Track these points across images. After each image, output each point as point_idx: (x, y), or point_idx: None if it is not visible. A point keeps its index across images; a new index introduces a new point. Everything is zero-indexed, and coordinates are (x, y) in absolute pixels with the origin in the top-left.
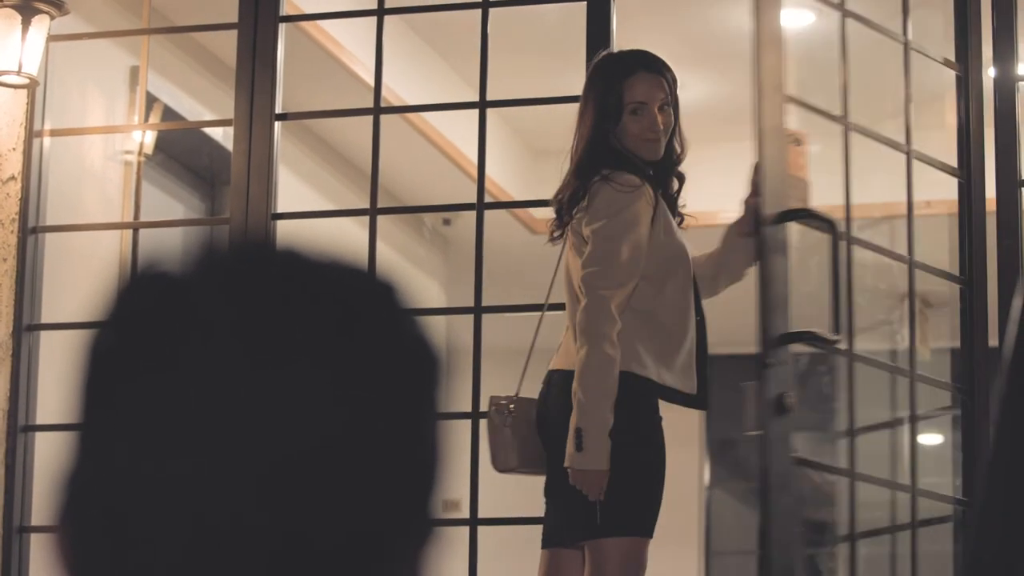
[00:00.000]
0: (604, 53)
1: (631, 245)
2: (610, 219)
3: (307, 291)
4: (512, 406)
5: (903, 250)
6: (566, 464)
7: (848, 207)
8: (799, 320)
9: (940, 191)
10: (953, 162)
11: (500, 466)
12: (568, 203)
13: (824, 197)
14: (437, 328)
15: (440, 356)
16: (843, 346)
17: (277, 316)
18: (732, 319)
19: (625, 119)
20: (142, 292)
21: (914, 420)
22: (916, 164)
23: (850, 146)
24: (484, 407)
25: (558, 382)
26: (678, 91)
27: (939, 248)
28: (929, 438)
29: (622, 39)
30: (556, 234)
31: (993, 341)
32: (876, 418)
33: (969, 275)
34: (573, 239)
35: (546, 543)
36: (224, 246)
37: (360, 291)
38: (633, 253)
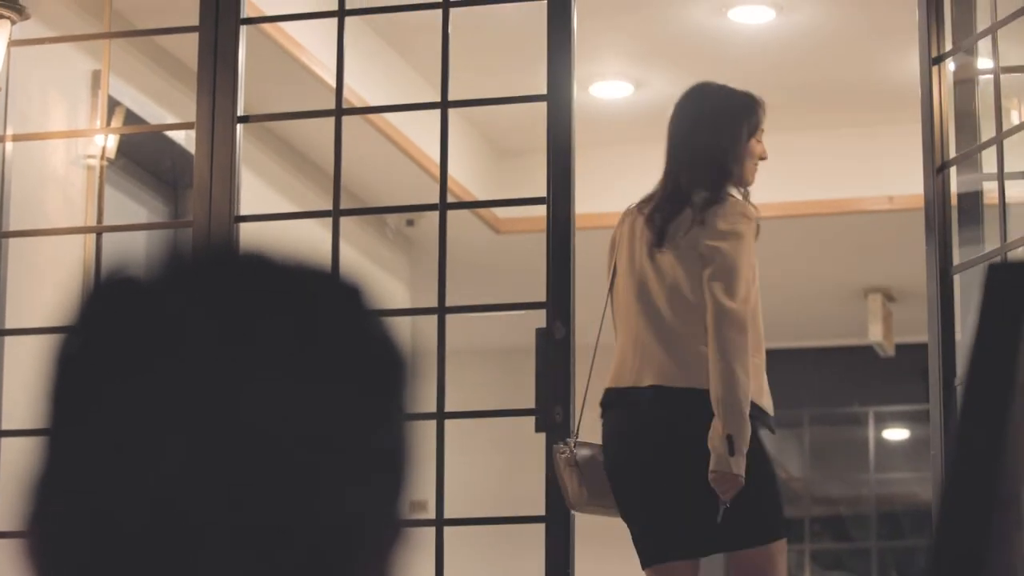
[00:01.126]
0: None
1: (750, 265)
2: (741, 238)
3: (272, 293)
4: (574, 447)
5: (864, 245)
6: (715, 467)
7: None
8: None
9: (904, 187)
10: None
11: (573, 506)
12: (680, 213)
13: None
14: (402, 329)
15: (406, 357)
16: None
17: (243, 319)
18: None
19: (752, 142)
20: (108, 297)
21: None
22: (880, 160)
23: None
24: (449, 407)
25: (678, 399)
26: (638, 91)
27: (905, 242)
28: (894, 432)
29: (583, 38)
30: (658, 243)
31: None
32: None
33: (938, 268)
34: (683, 250)
35: (654, 559)
36: (189, 250)
37: (325, 293)
38: (752, 272)
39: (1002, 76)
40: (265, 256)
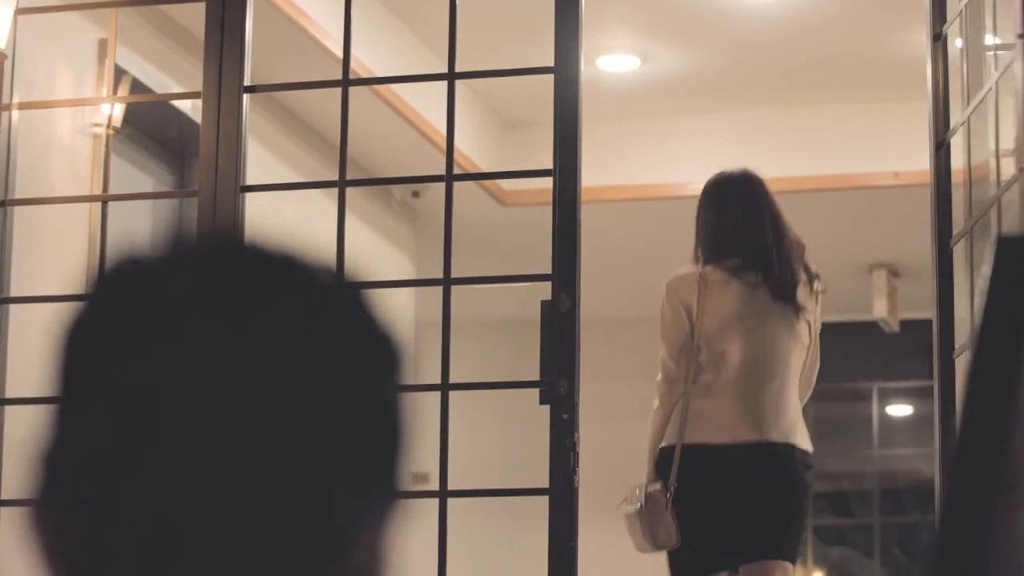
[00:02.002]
0: None
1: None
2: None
3: (272, 280)
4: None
5: (869, 220)
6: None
7: None
8: None
9: (910, 163)
10: (925, 132)
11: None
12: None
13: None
14: (406, 300)
15: (399, 339)
16: None
17: (245, 299)
18: None
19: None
20: (117, 278)
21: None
22: (886, 136)
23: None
24: (454, 379)
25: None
26: (645, 64)
27: (911, 218)
28: (898, 409)
29: (590, 11)
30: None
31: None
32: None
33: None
34: (801, 312)
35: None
36: (193, 232)
37: (321, 280)
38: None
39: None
40: (266, 242)
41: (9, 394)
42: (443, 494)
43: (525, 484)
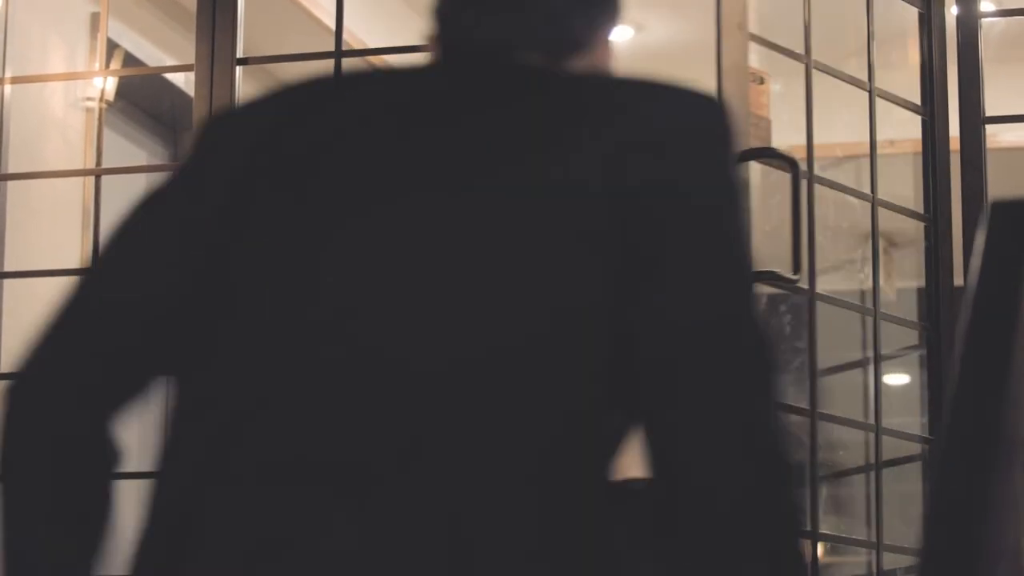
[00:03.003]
0: None
1: None
2: None
3: None
4: None
5: (868, 189)
6: None
7: (810, 146)
8: (760, 260)
9: (904, 130)
10: (917, 100)
11: None
12: None
13: (786, 136)
14: None
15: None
16: (804, 285)
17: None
18: None
19: None
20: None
21: (878, 359)
22: (879, 102)
23: (812, 84)
24: None
25: None
26: (639, 34)
27: (904, 187)
28: (896, 378)
29: None
30: None
31: (959, 280)
32: (844, 358)
33: (934, 213)
34: None
35: None
36: None
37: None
38: None
39: (1004, 20)
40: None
41: (5, 370)
42: None
43: None
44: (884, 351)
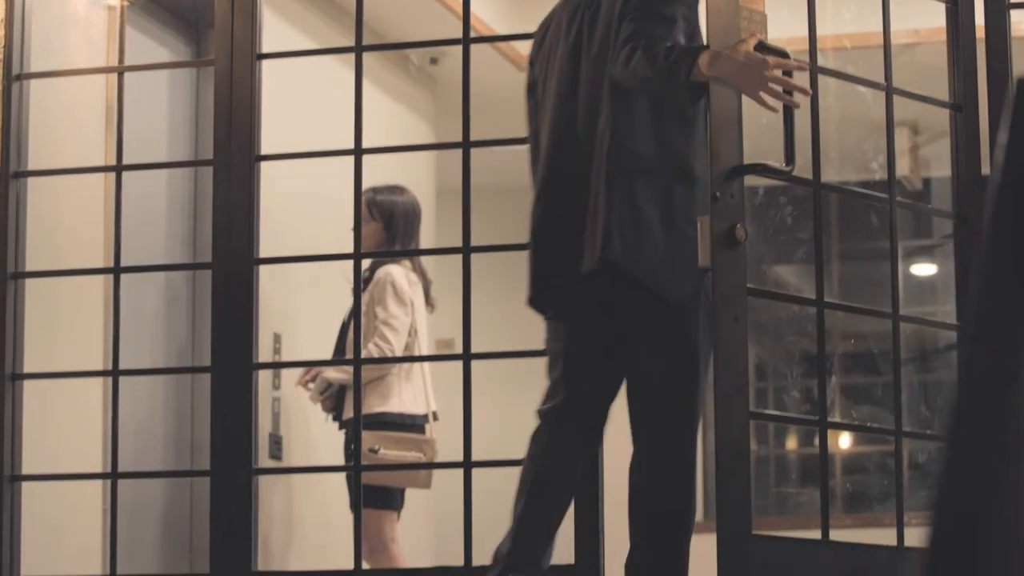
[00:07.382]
0: None
1: None
2: None
3: None
4: None
5: (890, 79)
6: None
7: (812, 36)
8: (755, 153)
9: (928, 19)
10: None
11: None
12: None
13: (788, 29)
14: (426, 167)
15: None
16: (807, 175)
17: None
18: None
19: None
20: None
21: (894, 249)
22: None
23: None
24: (474, 243)
25: None
26: None
27: (930, 76)
28: (923, 268)
29: None
30: None
31: (986, 168)
32: (862, 247)
33: (961, 102)
34: None
35: None
36: None
37: None
38: None
39: None
40: None
41: (28, 369)
42: (467, 357)
43: None
44: (914, 241)
